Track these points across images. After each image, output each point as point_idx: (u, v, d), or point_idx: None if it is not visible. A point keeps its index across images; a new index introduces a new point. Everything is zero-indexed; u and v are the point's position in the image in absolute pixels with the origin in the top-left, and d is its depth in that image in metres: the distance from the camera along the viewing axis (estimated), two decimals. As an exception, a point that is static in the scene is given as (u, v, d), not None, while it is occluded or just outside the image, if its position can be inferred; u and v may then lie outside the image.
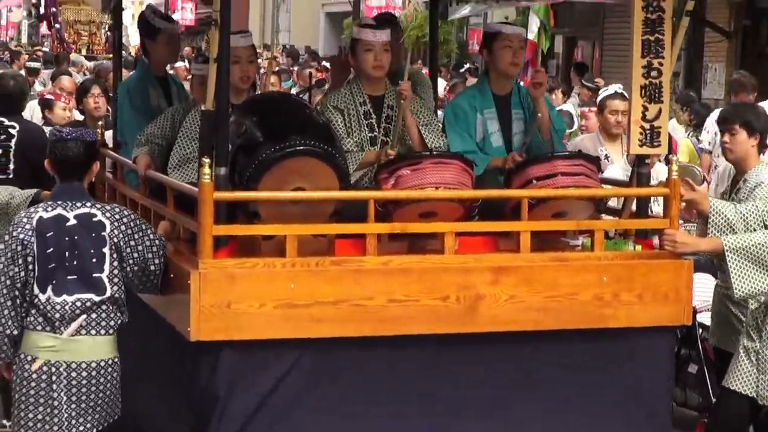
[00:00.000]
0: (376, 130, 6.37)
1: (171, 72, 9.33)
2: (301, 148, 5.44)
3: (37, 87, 16.35)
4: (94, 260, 5.42)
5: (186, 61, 20.34)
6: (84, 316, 5.38)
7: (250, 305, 5.30)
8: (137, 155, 6.59)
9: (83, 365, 5.39)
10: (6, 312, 5.40)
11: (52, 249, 5.41)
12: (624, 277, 5.71)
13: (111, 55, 10.76)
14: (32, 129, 8.50)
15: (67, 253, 5.41)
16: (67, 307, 5.37)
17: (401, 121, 6.23)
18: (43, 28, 31.94)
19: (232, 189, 5.44)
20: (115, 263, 5.45)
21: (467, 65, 22.48)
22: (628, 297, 5.71)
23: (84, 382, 5.38)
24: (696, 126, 12.48)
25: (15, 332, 5.41)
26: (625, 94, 8.28)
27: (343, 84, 6.60)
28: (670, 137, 7.39)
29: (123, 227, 5.47)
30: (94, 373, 5.40)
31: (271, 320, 5.32)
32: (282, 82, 16.01)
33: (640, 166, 6.00)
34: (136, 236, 5.50)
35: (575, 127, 11.86)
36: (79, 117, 9.93)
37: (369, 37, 6.28)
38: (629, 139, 5.87)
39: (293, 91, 14.06)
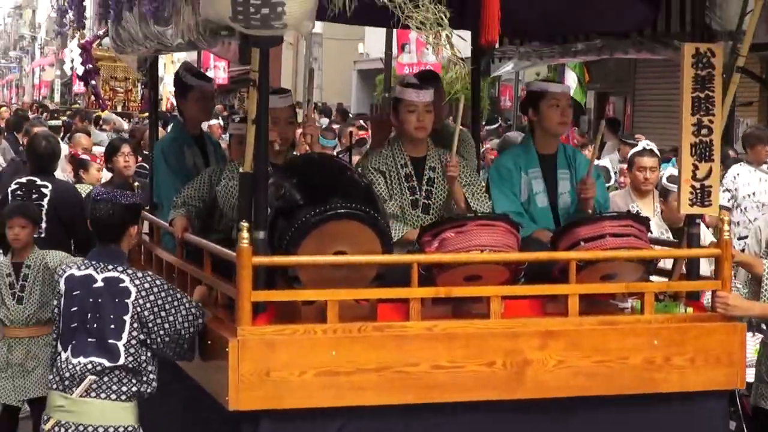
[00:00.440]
0: (418, 192, 6.24)
1: (207, 131, 9.28)
2: (343, 211, 5.32)
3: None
4: (112, 326, 5.34)
5: (219, 118, 20.37)
6: (92, 377, 5.30)
7: (291, 373, 5.17)
8: (174, 217, 6.51)
9: (90, 428, 5.30)
10: None
11: (76, 308, 5.39)
12: (675, 341, 5.60)
13: (146, 114, 10.80)
14: (65, 188, 8.65)
15: (89, 315, 5.37)
16: (78, 368, 5.31)
17: (447, 192, 6.11)
18: (76, 87, 32.07)
19: (271, 253, 5.32)
20: (135, 332, 5.35)
21: (500, 121, 22.42)
22: (680, 361, 5.59)
23: None
24: None
25: None
26: (655, 150, 8.42)
27: (383, 143, 6.49)
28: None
29: (152, 297, 5.37)
30: None
31: (312, 389, 5.19)
32: (325, 140, 15.89)
33: (690, 226, 5.88)
34: (167, 306, 5.38)
35: (612, 182, 11.76)
36: (107, 176, 9.97)
37: (412, 97, 6.17)
38: (680, 198, 5.74)
39: (337, 149, 13.97)
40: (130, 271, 5.44)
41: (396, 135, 6.39)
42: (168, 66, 30.96)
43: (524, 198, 6.38)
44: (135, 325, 5.34)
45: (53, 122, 20.13)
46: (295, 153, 6.56)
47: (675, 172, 8.28)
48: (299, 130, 6.74)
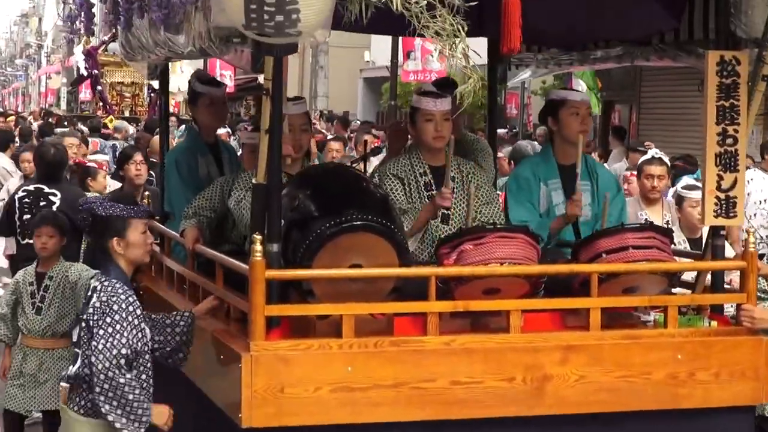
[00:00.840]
0: (438, 201, 6.09)
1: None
2: (358, 223, 5.20)
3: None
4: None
5: (226, 126, 20.24)
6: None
7: (305, 389, 5.05)
8: (185, 228, 6.40)
9: None
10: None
11: None
12: (700, 355, 5.48)
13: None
14: (74, 194, 8.63)
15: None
16: None
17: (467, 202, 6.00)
18: (83, 94, 32.00)
19: (285, 266, 5.18)
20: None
21: (506, 129, 22.34)
22: (704, 375, 5.48)
23: None
24: None
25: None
26: (663, 159, 8.43)
27: (400, 152, 6.37)
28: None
29: (96, 315, 5.17)
30: None
31: (327, 405, 5.07)
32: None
33: (714, 238, 5.75)
34: (96, 329, 5.15)
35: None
36: (117, 184, 9.97)
37: (430, 106, 6.04)
38: (704, 209, 5.61)
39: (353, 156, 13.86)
40: (106, 283, 5.24)
41: (414, 143, 6.27)
42: (178, 76, 30.85)
43: (543, 209, 6.27)
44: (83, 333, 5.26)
45: (58, 129, 20.12)
46: (309, 162, 6.44)
47: (691, 181, 8.24)
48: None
